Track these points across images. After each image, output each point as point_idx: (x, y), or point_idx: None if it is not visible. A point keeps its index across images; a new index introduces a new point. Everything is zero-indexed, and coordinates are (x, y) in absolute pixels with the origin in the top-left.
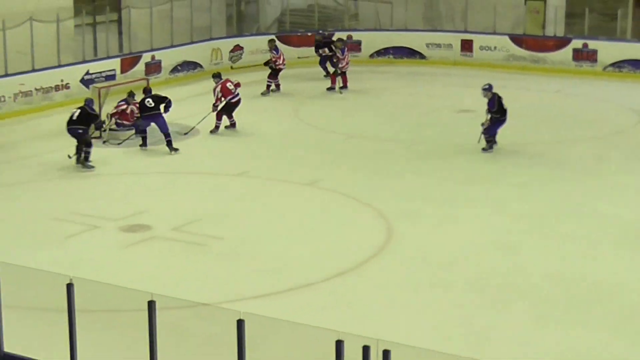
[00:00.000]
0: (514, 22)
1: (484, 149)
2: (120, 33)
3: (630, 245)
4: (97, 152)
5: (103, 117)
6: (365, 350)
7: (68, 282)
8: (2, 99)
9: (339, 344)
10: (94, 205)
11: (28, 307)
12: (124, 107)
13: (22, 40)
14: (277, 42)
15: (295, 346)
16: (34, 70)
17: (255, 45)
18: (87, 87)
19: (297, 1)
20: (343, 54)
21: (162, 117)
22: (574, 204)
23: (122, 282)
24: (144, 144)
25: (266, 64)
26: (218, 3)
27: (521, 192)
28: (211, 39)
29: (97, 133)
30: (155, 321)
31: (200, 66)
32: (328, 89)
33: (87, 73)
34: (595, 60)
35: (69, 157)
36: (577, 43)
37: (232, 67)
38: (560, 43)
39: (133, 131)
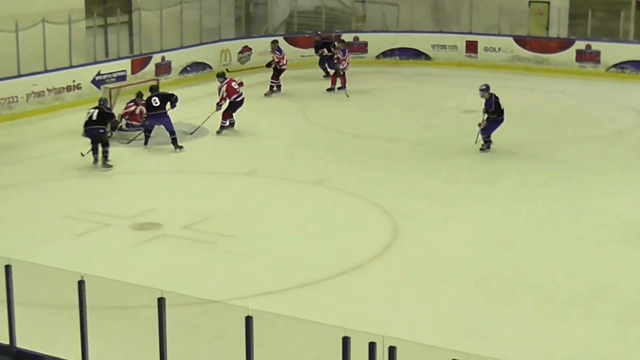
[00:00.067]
0: (518, 23)
1: (481, 149)
2: (131, 34)
3: (632, 243)
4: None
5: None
6: (371, 346)
7: (80, 279)
8: (15, 99)
9: (346, 341)
10: (105, 204)
11: (40, 303)
12: (133, 108)
13: (35, 41)
14: (280, 43)
15: (302, 343)
16: (46, 71)
17: (264, 47)
18: (99, 87)
19: (305, 3)
20: (344, 54)
21: (168, 117)
22: (577, 203)
23: (132, 279)
24: (146, 142)
25: (268, 65)
26: (227, 5)
27: (525, 191)
28: (220, 40)
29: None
30: (165, 317)
31: (210, 67)
32: (328, 89)
33: (99, 74)
34: (598, 61)
35: (82, 155)
36: (580, 44)
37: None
38: (563, 44)
39: (142, 131)
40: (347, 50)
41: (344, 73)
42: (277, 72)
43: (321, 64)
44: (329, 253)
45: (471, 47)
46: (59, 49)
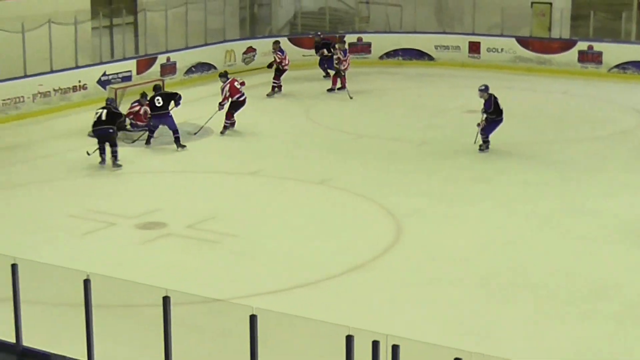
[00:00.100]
0: (521, 24)
1: (480, 149)
2: (136, 35)
3: (632, 243)
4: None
5: None
6: (375, 345)
7: (85, 277)
8: (22, 100)
9: (349, 339)
10: (110, 203)
11: (46, 302)
12: (137, 108)
13: (41, 42)
14: (284, 44)
15: (306, 341)
16: (52, 72)
17: (268, 47)
18: (104, 87)
19: (309, 4)
20: (345, 55)
21: (171, 117)
22: (578, 203)
23: (137, 278)
24: (147, 141)
25: (269, 66)
26: (232, 6)
27: (526, 190)
28: (225, 41)
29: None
30: (169, 316)
31: (214, 67)
32: (328, 90)
33: (104, 74)
34: (600, 62)
35: (88, 154)
36: (582, 45)
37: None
38: (565, 45)
39: (146, 131)
40: (348, 51)
41: (344, 74)
42: (279, 72)
43: (321, 64)
44: (332, 252)
45: (474, 47)
46: (65, 50)
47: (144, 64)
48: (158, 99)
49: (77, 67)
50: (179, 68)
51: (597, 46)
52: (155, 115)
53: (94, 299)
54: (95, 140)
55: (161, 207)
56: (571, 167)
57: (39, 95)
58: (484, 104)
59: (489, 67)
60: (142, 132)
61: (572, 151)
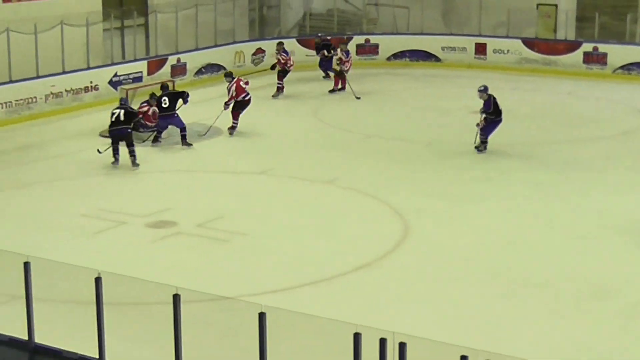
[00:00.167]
0: (526, 26)
1: (478, 150)
2: (147, 36)
3: (637, 243)
4: (120, 151)
5: None
6: (382, 342)
7: (96, 275)
8: (34, 100)
9: (357, 337)
10: (121, 202)
11: (58, 300)
12: (146, 108)
13: (53, 43)
14: (293, 46)
15: (314, 338)
16: (64, 72)
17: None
18: (115, 88)
19: (317, 6)
20: (347, 56)
21: (177, 117)
22: (583, 203)
23: (148, 276)
24: (154, 140)
25: (273, 67)
26: (241, 8)
27: (532, 190)
28: (234, 42)
29: None
30: (180, 314)
31: (224, 68)
32: (330, 91)
33: (115, 75)
34: (605, 63)
35: (99, 152)
36: (587, 46)
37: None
38: (571, 46)
39: (155, 131)
40: (350, 52)
41: (346, 74)
42: (283, 73)
43: (321, 65)
44: (339, 251)
45: (480, 49)
46: (77, 51)
47: (155, 65)
48: (164, 99)
49: (89, 68)
50: (189, 69)
51: (602, 47)
52: (162, 116)
53: (105, 297)
54: (106, 139)
55: (171, 206)
56: (576, 167)
57: (51, 95)
58: (484, 105)
59: (495, 68)
60: (151, 133)
61: (577, 151)
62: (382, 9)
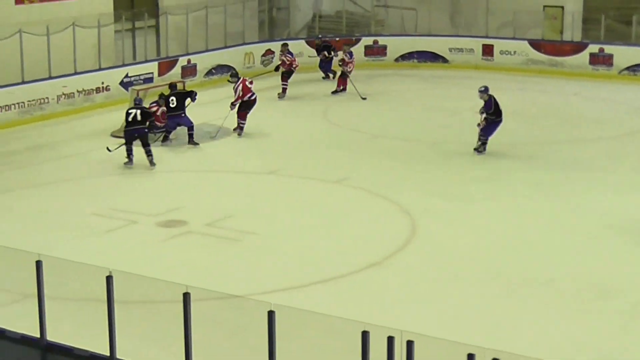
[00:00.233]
0: (533, 27)
1: (478, 151)
2: (157, 38)
3: (639, 242)
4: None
5: None
6: (390, 340)
7: (108, 274)
8: (46, 101)
9: (365, 335)
10: (132, 202)
11: (69, 298)
12: (155, 108)
13: (65, 44)
14: (301, 47)
15: (322, 336)
16: (76, 73)
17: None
18: (126, 89)
19: (326, 7)
20: (351, 57)
21: (185, 116)
22: (587, 202)
23: (158, 275)
24: (163, 140)
25: (277, 69)
26: (251, 9)
27: (537, 190)
28: (244, 43)
29: None
30: (190, 312)
31: (234, 69)
32: (333, 92)
33: (127, 76)
34: (610, 64)
35: (108, 150)
36: (593, 48)
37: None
38: (577, 48)
39: (165, 131)
40: (353, 54)
41: (349, 75)
42: (288, 74)
43: (321, 66)
44: (348, 250)
45: (487, 50)
46: (89, 52)
47: (166, 66)
48: (172, 99)
49: (100, 69)
50: (199, 70)
51: (608, 49)
52: (170, 116)
53: (116, 295)
54: (116, 139)
55: (182, 205)
56: (581, 167)
57: (63, 96)
58: (484, 105)
59: (501, 70)
60: (161, 134)
61: (583, 151)
62: (390, 10)
